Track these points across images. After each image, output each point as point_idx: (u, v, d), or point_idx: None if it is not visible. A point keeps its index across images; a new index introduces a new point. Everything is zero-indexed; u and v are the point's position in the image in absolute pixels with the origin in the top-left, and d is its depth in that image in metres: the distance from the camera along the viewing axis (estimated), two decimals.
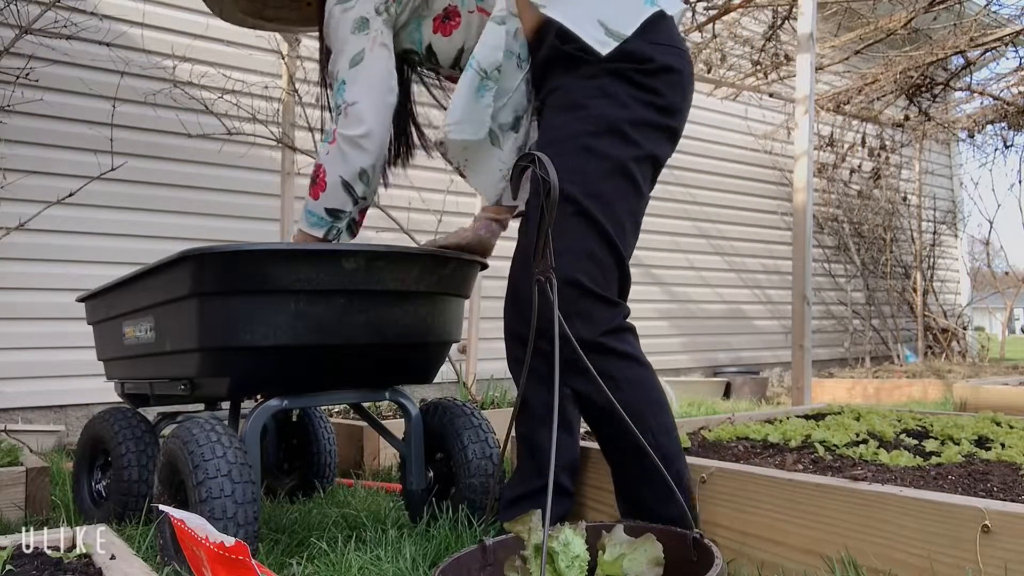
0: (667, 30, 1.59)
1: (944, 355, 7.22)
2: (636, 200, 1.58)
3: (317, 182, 1.68)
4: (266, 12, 2.28)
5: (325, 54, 1.83)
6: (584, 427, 2.03)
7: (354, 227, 1.79)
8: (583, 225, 1.50)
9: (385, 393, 1.84)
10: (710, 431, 2.14)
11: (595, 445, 1.93)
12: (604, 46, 1.53)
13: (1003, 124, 6.40)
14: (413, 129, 2.09)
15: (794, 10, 4.61)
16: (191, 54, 3.86)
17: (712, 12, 4.82)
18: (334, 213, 1.69)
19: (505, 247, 1.89)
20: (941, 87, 6.08)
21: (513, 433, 1.74)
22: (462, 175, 1.74)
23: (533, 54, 1.68)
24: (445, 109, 2.09)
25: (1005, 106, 6.19)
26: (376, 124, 1.65)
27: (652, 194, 1.68)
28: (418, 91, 2.13)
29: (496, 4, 1.66)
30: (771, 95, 5.98)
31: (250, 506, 1.47)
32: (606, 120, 1.53)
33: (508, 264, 1.77)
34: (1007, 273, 8.07)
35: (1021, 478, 1.54)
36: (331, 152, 1.66)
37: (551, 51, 1.61)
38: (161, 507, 1.28)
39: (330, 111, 1.80)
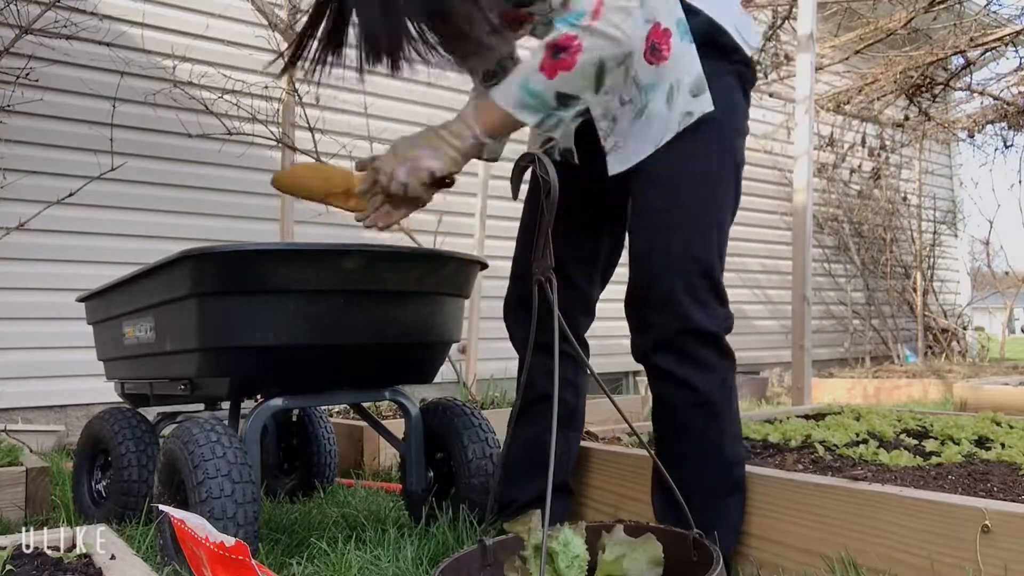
0: None
1: (944, 355, 7.22)
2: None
3: (563, 57, 1.31)
4: None
5: None
6: (586, 428, 2.03)
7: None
8: (719, 222, 1.50)
9: (385, 393, 1.84)
10: None
11: (596, 445, 1.93)
12: (746, 47, 1.53)
13: (1003, 124, 6.39)
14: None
15: (794, 10, 4.60)
16: (191, 54, 3.86)
17: None
18: (566, 100, 1.35)
19: (506, 247, 1.89)
20: (941, 87, 6.07)
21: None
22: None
23: None
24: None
25: (1005, 106, 6.19)
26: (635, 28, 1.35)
27: None
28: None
29: None
30: (771, 95, 5.98)
31: (250, 506, 1.47)
32: (738, 117, 1.54)
33: (509, 264, 1.77)
34: (1007, 273, 8.06)
35: (1021, 478, 1.54)
36: (596, 24, 1.30)
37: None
38: (161, 507, 1.28)
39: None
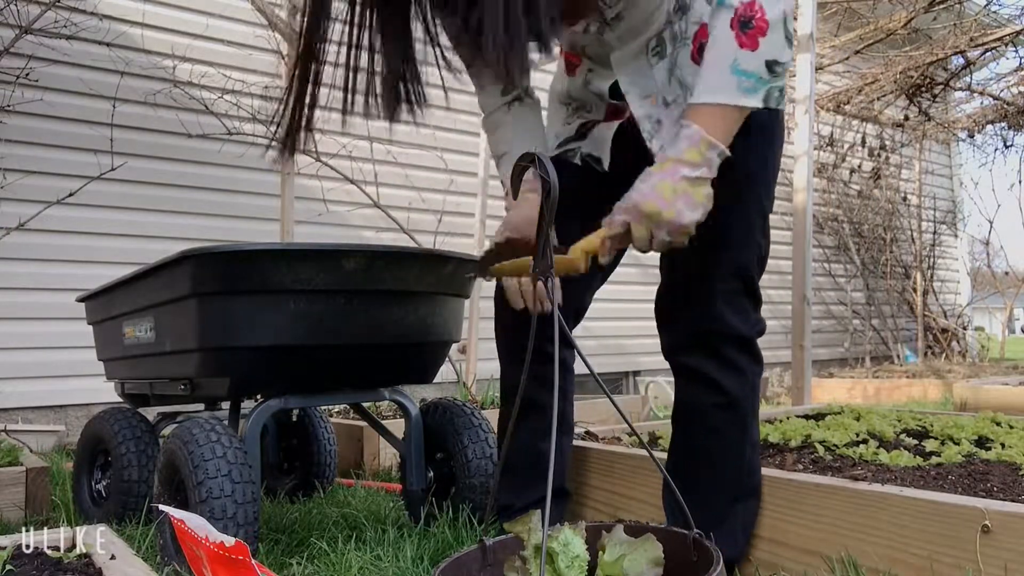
0: None
1: (944, 355, 7.22)
2: None
3: (753, 25, 1.23)
4: None
5: None
6: (586, 428, 2.03)
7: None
8: (763, 227, 1.47)
9: (385, 393, 1.84)
10: None
11: (596, 445, 1.93)
12: None
13: (1003, 124, 6.40)
14: None
15: (794, 10, 4.60)
16: (191, 54, 3.86)
17: None
18: (773, 67, 1.25)
19: None
20: (941, 87, 6.07)
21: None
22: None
23: None
24: None
25: (1005, 106, 6.19)
26: None
27: None
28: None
29: None
30: None
31: (250, 506, 1.47)
32: (783, 118, 1.50)
33: None
34: (1007, 273, 8.07)
35: (1021, 478, 1.54)
36: None
37: None
38: (161, 507, 1.28)
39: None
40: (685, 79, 1.40)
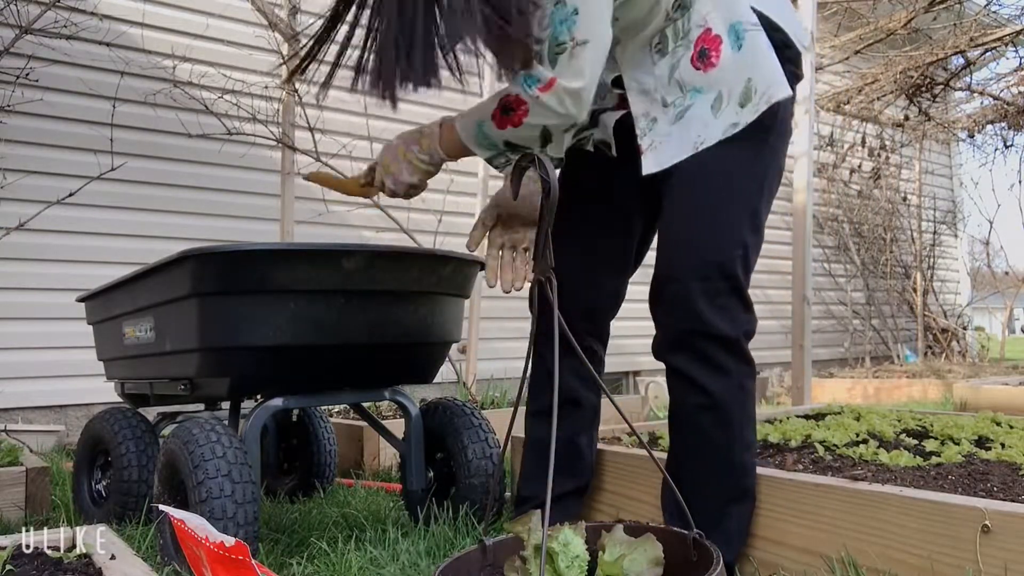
0: None
1: (944, 355, 7.21)
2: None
3: (511, 115, 1.39)
4: None
5: None
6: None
7: None
8: (752, 225, 1.45)
9: (385, 393, 1.84)
10: None
11: (597, 445, 1.93)
12: (801, 47, 1.50)
13: (1003, 124, 6.40)
14: None
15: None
16: (191, 54, 3.86)
17: None
18: (514, 148, 1.45)
19: None
20: (941, 87, 6.07)
21: (516, 434, 1.74)
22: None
23: None
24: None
25: (1005, 106, 6.19)
26: (594, 78, 1.36)
27: None
28: None
29: None
30: None
31: (250, 506, 1.47)
32: (785, 118, 1.50)
33: None
34: (1007, 273, 8.07)
35: (1021, 478, 1.54)
36: (544, 98, 1.35)
37: None
38: (161, 507, 1.28)
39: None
40: (684, 81, 1.43)
